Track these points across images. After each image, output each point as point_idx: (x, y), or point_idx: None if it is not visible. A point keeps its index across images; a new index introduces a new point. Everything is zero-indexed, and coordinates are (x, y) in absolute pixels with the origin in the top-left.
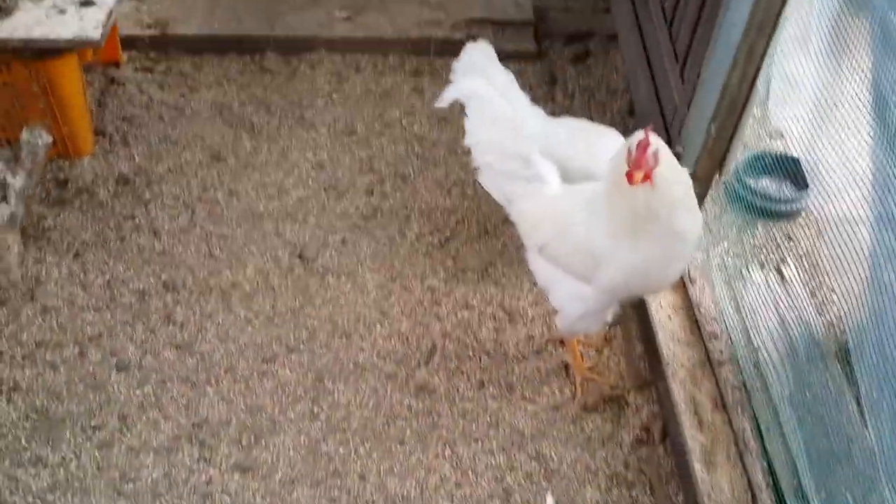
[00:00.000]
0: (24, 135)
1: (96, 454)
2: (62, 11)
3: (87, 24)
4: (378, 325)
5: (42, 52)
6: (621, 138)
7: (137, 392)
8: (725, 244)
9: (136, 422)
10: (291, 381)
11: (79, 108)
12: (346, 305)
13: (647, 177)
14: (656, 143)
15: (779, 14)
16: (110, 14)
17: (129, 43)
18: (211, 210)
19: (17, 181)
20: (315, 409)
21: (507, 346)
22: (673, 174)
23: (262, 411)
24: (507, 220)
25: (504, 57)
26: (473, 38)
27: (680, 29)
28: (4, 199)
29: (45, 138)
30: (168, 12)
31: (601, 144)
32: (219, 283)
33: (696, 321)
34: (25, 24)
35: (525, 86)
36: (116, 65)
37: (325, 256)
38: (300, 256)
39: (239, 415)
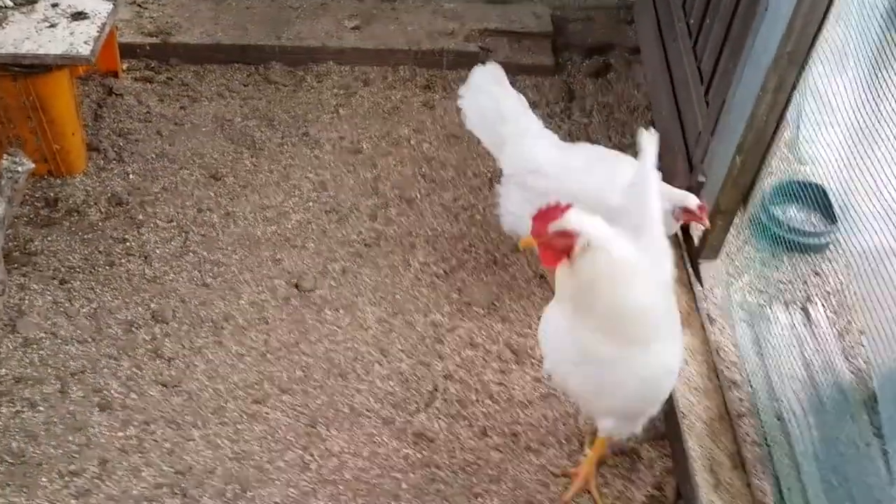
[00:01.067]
0: (5, 161)
1: None
2: (53, 25)
3: (78, 40)
4: (377, 365)
5: (31, 68)
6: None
7: (120, 434)
8: (747, 278)
9: (116, 468)
10: (282, 425)
11: (70, 124)
12: (343, 342)
13: (550, 252)
14: (575, 218)
15: (812, 44)
16: (103, 28)
17: (129, 51)
18: (206, 234)
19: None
20: (306, 458)
21: (513, 390)
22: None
23: (249, 459)
24: (517, 250)
25: (520, 70)
26: (488, 50)
27: (705, 48)
28: None
29: (26, 164)
30: (170, 19)
31: (618, 173)
32: (211, 314)
33: (715, 367)
34: (14, 38)
35: (541, 101)
36: (115, 74)
37: (323, 287)
38: (297, 286)
39: (225, 462)
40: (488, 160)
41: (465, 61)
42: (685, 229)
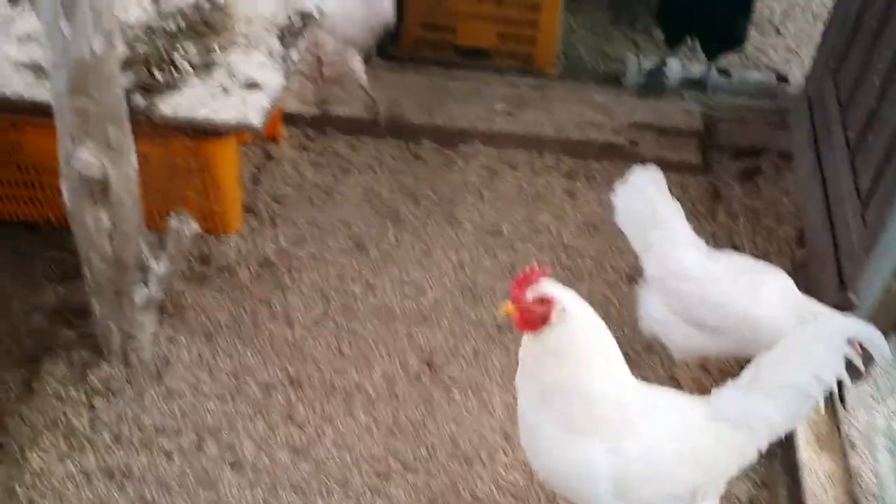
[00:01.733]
0: (173, 221)
1: None
2: (228, 92)
3: (250, 109)
4: (501, 453)
5: (203, 132)
6: (788, 281)
7: (247, 494)
8: (892, 403)
9: None
10: (403, 501)
11: (232, 187)
12: (470, 425)
13: (527, 319)
14: (552, 289)
15: None
16: (274, 100)
17: (290, 119)
18: (346, 303)
19: (159, 267)
20: None
21: None
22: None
23: None
24: (651, 349)
25: (665, 167)
26: (635, 143)
27: (865, 164)
28: (144, 282)
29: (191, 227)
30: (331, 92)
31: (766, 287)
32: (344, 383)
33: (855, 497)
34: (190, 103)
35: (686, 200)
36: (275, 140)
37: (454, 366)
38: (428, 364)
39: None
40: (627, 255)
41: (612, 153)
42: None
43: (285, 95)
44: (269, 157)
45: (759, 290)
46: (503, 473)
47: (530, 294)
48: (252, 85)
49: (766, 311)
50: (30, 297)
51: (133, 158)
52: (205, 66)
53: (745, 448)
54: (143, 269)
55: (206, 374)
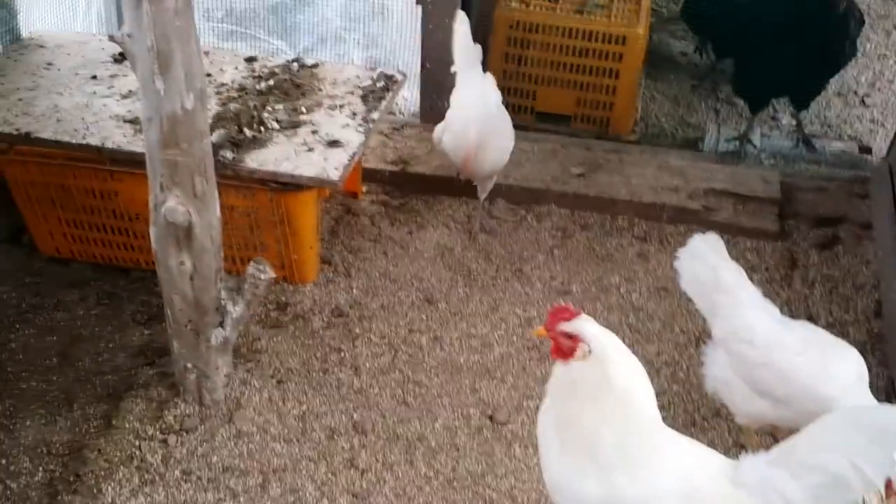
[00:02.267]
0: (250, 268)
1: None
2: (310, 149)
3: (330, 165)
4: None
5: (285, 185)
6: (861, 361)
7: None
8: None
9: None
10: None
11: (310, 239)
12: (529, 481)
13: (557, 348)
14: (585, 326)
15: None
16: (353, 157)
17: (370, 175)
18: (413, 354)
19: (236, 310)
20: None
21: None
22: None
23: None
24: (718, 414)
25: (741, 233)
26: (710, 209)
27: None
28: (221, 324)
29: (268, 273)
30: (412, 151)
31: (837, 363)
32: (406, 432)
33: None
34: (276, 158)
35: (761, 267)
36: (355, 196)
37: (516, 422)
38: (491, 418)
39: None
40: (697, 317)
41: (686, 217)
42: None
43: (367, 153)
44: (348, 211)
45: (828, 365)
46: None
47: (562, 327)
48: (333, 143)
49: (832, 388)
50: (116, 337)
51: (216, 207)
52: (291, 125)
53: None
54: (221, 311)
55: (274, 416)
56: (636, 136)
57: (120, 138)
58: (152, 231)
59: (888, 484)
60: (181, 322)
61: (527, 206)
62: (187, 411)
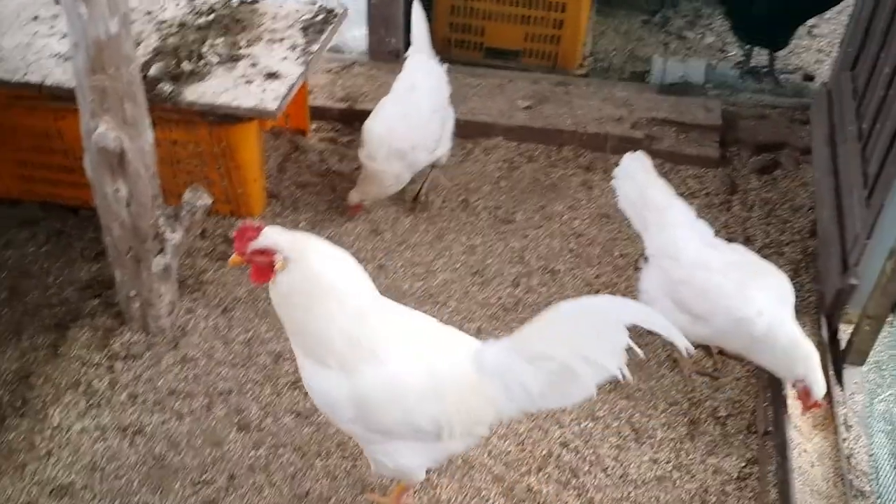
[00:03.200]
0: (187, 194)
1: None
2: (249, 81)
3: (268, 96)
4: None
5: (224, 118)
6: (785, 285)
7: (251, 453)
8: (894, 391)
9: (242, 483)
10: None
11: (254, 172)
12: None
13: (256, 270)
14: (272, 235)
15: None
16: (291, 88)
17: (319, 113)
18: None
19: (174, 237)
20: (413, 499)
21: (628, 468)
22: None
23: (363, 491)
24: (651, 332)
25: (683, 160)
26: (652, 137)
27: (874, 152)
28: (162, 251)
29: (204, 199)
30: (360, 88)
31: (757, 285)
32: None
33: (843, 474)
34: (214, 91)
35: (701, 192)
36: (304, 133)
37: None
38: None
39: (340, 492)
40: (636, 243)
41: (630, 147)
42: (833, 333)
43: (315, 91)
44: (296, 148)
45: (747, 287)
46: (495, 441)
47: (253, 246)
48: (272, 75)
49: (747, 309)
50: (65, 272)
51: (149, 134)
52: (230, 59)
53: (499, 403)
54: (160, 238)
55: (220, 342)
56: (584, 71)
57: (60, 76)
58: (86, 159)
59: (803, 391)
60: (121, 250)
61: (474, 139)
62: (133, 339)
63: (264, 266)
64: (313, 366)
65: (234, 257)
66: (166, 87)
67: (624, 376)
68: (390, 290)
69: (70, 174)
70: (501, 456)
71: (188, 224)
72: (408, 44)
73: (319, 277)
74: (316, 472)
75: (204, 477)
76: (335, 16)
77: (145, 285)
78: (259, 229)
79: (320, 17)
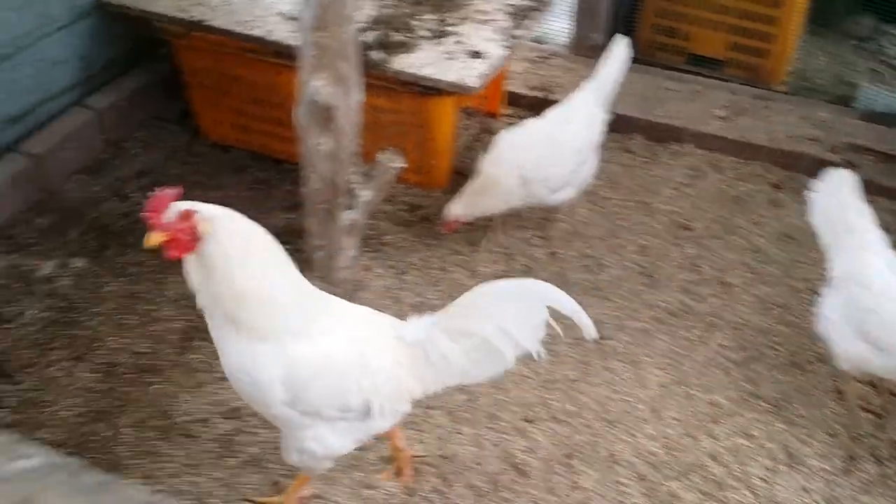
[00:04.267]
0: (382, 156)
1: None
2: (453, 58)
3: (470, 74)
4: (646, 424)
5: (427, 90)
6: None
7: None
8: None
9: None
10: (543, 447)
11: (445, 145)
12: (620, 393)
13: (176, 242)
14: (186, 203)
15: None
16: (492, 68)
17: (512, 99)
18: (527, 265)
19: (365, 194)
20: (555, 481)
21: (776, 490)
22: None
23: (507, 464)
24: (821, 359)
25: (881, 192)
26: (850, 164)
27: None
28: (351, 207)
29: (397, 163)
30: (555, 79)
31: None
32: None
33: None
34: (419, 63)
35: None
36: (494, 116)
37: (617, 339)
38: None
39: (486, 461)
40: (818, 267)
41: (824, 169)
42: None
43: (513, 77)
44: (486, 129)
45: None
46: (643, 442)
47: (170, 215)
48: (475, 53)
49: None
50: (261, 218)
51: (357, 93)
52: (438, 34)
53: (426, 377)
54: (352, 195)
55: (391, 302)
56: (786, 88)
57: (283, 33)
58: (298, 111)
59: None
60: (316, 201)
61: (664, 143)
62: (315, 285)
63: (186, 235)
64: (244, 342)
65: (153, 236)
66: (377, 55)
67: (539, 354)
68: (557, 277)
69: (279, 127)
70: (648, 456)
71: (379, 184)
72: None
73: (254, 231)
74: (463, 438)
75: None
76: (543, 4)
77: (332, 237)
78: (176, 195)
79: (529, 4)
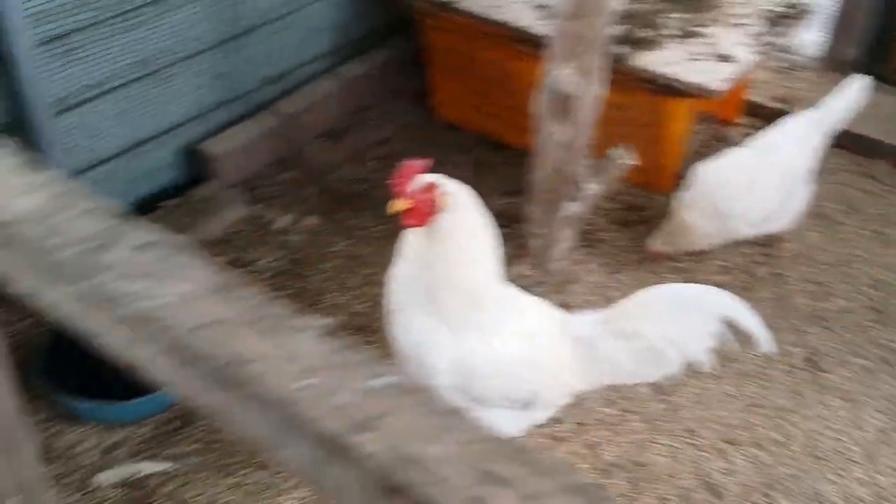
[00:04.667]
0: (614, 151)
1: None
2: (697, 59)
3: (714, 77)
4: (857, 467)
5: (665, 88)
6: None
7: (605, 410)
8: None
9: (588, 430)
10: (741, 471)
11: (674, 148)
12: (833, 430)
13: (416, 212)
14: (443, 182)
15: None
16: (739, 73)
17: (751, 109)
18: (745, 282)
19: (591, 187)
20: None
21: None
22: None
23: (702, 482)
24: None
25: None
26: None
27: None
28: (575, 199)
29: (628, 159)
30: (799, 92)
31: None
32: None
33: None
34: (662, 61)
35: None
36: (729, 124)
37: (838, 373)
38: (811, 361)
39: (680, 474)
40: None
41: None
42: None
43: (756, 86)
44: (716, 137)
45: None
46: (853, 486)
47: (415, 185)
48: (722, 57)
49: None
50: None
51: (600, 86)
52: (684, 34)
53: (588, 373)
54: (578, 187)
55: (600, 299)
56: None
57: (529, 20)
58: (538, 98)
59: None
60: (542, 188)
61: None
62: (525, 272)
63: (426, 207)
64: (431, 322)
65: (398, 202)
66: (620, 49)
67: (707, 363)
68: (779, 300)
69: (510, 113)
70: (856, 501)
71: (607, 179)
72: (863, 56)
73: (483, 220)
74: (658, 448)
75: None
76: (802, 13)
77: (552, 227)
78: (424, 167)
79: (787, 11)
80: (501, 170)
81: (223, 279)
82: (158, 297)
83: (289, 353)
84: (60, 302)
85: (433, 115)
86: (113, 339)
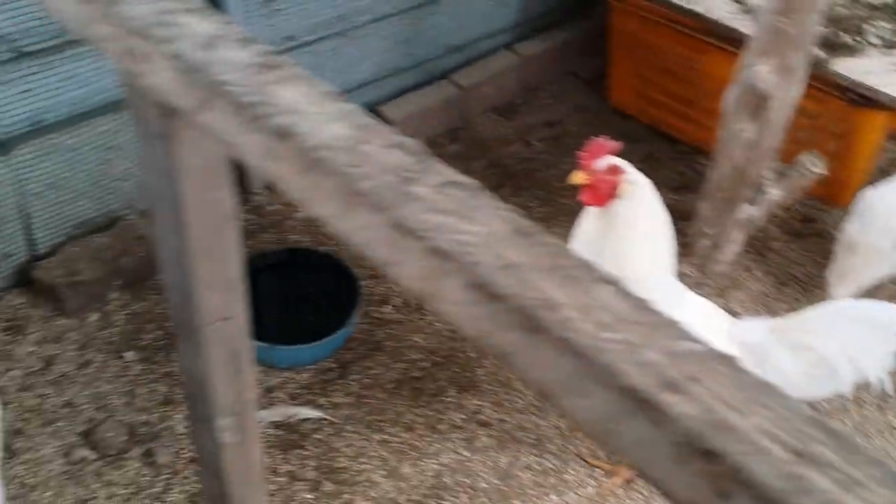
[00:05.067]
0: (803, 157)
1: None
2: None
3: None
4: None
5: (862, 98)
6: None
7: None
8: None
9: None
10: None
11: (861, 163)
12: None
13: (595, 192)
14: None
15: None
16: None
17: None
18: None
19: (773, 192)
20: None
21: None
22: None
23: None
24: None
25: None
26: None
27: None
28: (753, 202)
29: (818, 168)
30: None
31: None
32: None
33: None
34: (862, 69)
35: None
36: None
37: None
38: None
39: None
40: None
41: None
42: None
43: None
44: None
45: None
46: None
47: (600, 163)
48: None
49: None
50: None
51: (797, 88)
52: (890, 44)
53: None
54: (759, 190)
55: (763, 308)
56: None
57: (723, 13)
58: (731, 91)
59: None
60: (719, 187)
61: None
62: (688, 272)
63: (606, 188)
64: None
65: (578, 174)
66: (821, 53)
67: (883, 385)
68: None
69: (688, 107)
70: None
71: (792, 186)
72: None
73: (661, 214)
74: None
75: None
76: None
77: (724, 228)
78: (614, 148)
79: None
80: (672, 164)
81: (523, 224)
82: (466, 233)
83: (593, 304)
84: (362, 228)
85: (606, 100)
86: (413, 269)
